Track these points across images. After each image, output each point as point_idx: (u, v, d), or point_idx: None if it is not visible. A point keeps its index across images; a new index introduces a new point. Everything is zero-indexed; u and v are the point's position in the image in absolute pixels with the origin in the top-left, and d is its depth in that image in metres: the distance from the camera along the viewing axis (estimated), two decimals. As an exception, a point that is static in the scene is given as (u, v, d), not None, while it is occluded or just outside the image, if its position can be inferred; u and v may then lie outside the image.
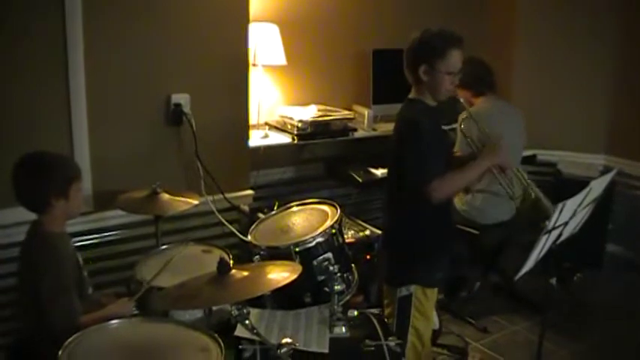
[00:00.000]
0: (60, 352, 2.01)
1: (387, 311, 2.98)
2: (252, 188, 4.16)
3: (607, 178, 2.97)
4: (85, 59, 3.38)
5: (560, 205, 2.58)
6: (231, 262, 2.28)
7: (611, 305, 4.58)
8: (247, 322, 2.20)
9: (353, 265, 3.02)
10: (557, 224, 2.69)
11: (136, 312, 2.67)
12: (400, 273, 2.96)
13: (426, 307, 2.96)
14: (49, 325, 2.48)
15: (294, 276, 2.22)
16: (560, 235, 2.84)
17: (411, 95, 2.92)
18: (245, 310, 2.22)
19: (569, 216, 2.76)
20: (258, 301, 2.70)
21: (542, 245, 2.71)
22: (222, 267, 2.17)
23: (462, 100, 3.12)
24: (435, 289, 3.01)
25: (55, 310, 2.49)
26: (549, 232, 2.67)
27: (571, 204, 2.68)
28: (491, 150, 2.89)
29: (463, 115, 3.25)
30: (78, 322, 2.49)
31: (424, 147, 2.74)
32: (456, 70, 2.81)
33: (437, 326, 3.56)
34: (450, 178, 2.75)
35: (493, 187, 4.12)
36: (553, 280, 3.07)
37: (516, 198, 3.03)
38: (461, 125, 3.35)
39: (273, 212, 3.27)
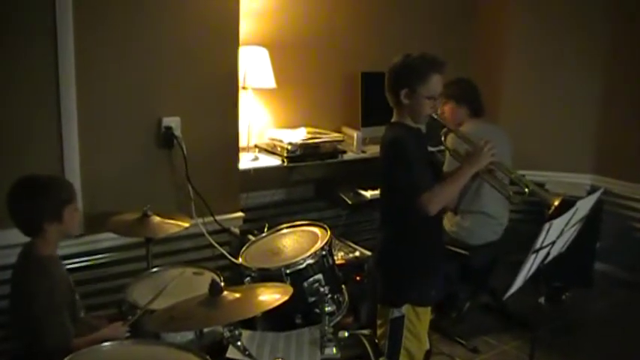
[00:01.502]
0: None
1: (379, 332, 2.98)
2: (242, 210, 4.18)
3: (593, 198, 3.00)
4: (77, 83, 3.39)
5: (547, 225, 2.61)
6: (222, 284, 2.29)
7: (601, 323, 4.60)
8: (239, 343, 2.21)
9: (343, 286, 3.04)
10: (544, 244, 2.72)
11: (128, 335, 2.68)
12: (393, 291, 2.96)
13: (418, 329, 2.97)
14: (42, 347, 2.48)
15: (286, 298, 2.24)
16: (547, 254, 2.86)
17: (393, 119, 2.95)
18: (237, 332, 2.24)
19: (556, 235, 2.79)
20: (248, 323, 2.71)
21: (530, 265, 2.74)
22: (214, 289, 2.19)
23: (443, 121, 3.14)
24: (428, 310, 3.02)
25: (47, 332, 2.50)
26: (537, 251, 2.70)
27: (558, 224, 2.71)
28: (475, 154, 2.86)
29: (444, 130, 3.27)
30: (70, 344, 2.49)
31: (410, 163, 2.77)
32: (437, 94, 2.84)
33: (427, 347, 3.57)
34: (439, 189, 2.75)
35: (482, 207, 4.16)
36: (542, 300, 3.09)
37: (510, 197, 3.02)
38: (443, 138, 3.36)
39: (264, 234, 3.30)
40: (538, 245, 2.66)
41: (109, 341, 2.27)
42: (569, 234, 2.98)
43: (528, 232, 2.80)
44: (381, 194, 3.12)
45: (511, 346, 4.24)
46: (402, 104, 2.85)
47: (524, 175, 2.96)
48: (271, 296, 2.27)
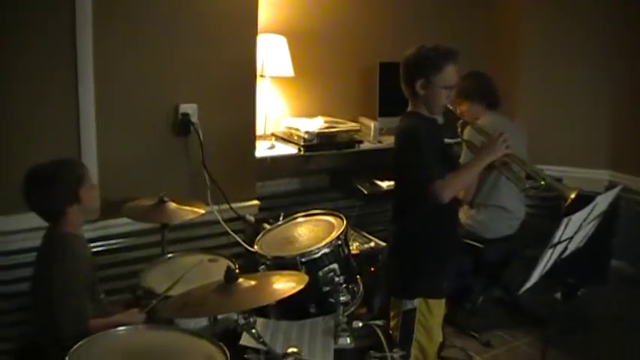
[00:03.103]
0: (67, 358, 2.02)
1: (392, 323, 2.99)
2: (257, 199, 4.18)
3: (613, 194, 2.98)
4: (95, 69, 3.40)
5: (565, 220, 2.58)
6: (237, 271, 2.29)
7: (616, 320, 4.56)
8: (254, 330, 2.20)
9: (358, 276, 3.03)
10: (562, 239, 2.70)
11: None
12: (405, 283, 2.97)
13: (430, 323, 2.97)
14: (58, 327, 2.50)
15: (301, 286, 2.23)
16: (565, 249, 2.84)
17: (408, 109, 2.96)
18: (252, 319, 2.23)
19: (574, 230, 2.76)
20: (261, 311, 2.71)
21: (547, 259, 2.71)
22: (230, 275, 2.18)
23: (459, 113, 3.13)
24: (442, 303, 3.01)
25: (64, 312, 2.51)
26: (554, 246, 2.67)
27: (576, 219, 2.68)
28: (490, 145, 2.87)
29: (460, 122, 3.27)
30: (87, 325, 2.50)
31: (422, 152, 2.78)
32: (452, 84, 2.86)
33: (440, 340, 3.56)
34: (451, 177, 2.76)
35: (498, 201, 4.14)
36: (558, 295, 3.06)
37: (526, 189, 3.01)
38: (459, 130, 3.35)
39: (279, 223, 3.29)
40: (556, 240, 2.63)
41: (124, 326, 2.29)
42: (588, 229, 2.95)
43: (543, 227, 2.78)
44: (394, 185, 3.12)
45: (523, 342, 4.23)
46: (417, 95, 2.87)
47: (541, 169, 2.94)
48: (286, 285, 2.26)
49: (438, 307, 3.01)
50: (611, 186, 4.93)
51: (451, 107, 2.95)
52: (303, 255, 2.80)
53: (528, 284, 2.72)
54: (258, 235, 3.22)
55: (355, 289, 2.94)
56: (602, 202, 2.85)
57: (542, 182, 2.82)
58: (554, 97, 5.32)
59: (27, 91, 3.25)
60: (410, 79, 2.87)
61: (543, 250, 2.65)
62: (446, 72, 2.81)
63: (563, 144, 5.30)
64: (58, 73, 3.33)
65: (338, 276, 2.76)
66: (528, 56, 5.37)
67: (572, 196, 2.73)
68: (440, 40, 2.88)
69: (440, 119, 3.05)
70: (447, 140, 3.20)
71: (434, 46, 2.83)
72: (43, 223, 2.75)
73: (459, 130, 3.29)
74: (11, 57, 3.18)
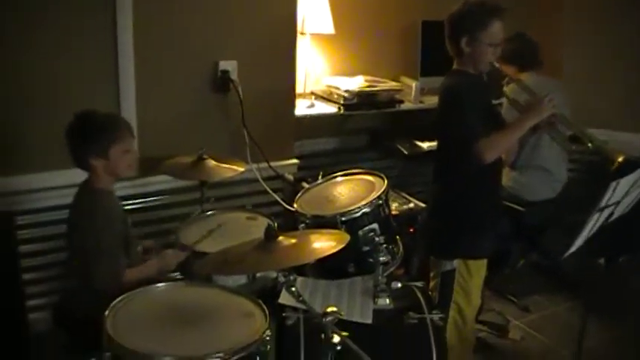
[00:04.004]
0: (107, 312, 2.04)
1: (431, 284, 2.97)
2: (296, 157, 4.15)
3: (662, 159, 2.89)
4: (134, 25, 3.38)
5: (613, 184, 2.51)
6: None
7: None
8: (293, 288, 2.19)
9: (398, 237, 3.00)
10: (609, 203, 2.63)
11: (179, 276, 2.71)
12: (446, 244, 2.95)
13: (469, 285, 2.95)
14: (93, 283, 2.52)
15: (341, 245, 2.20)
16: (611, 214, 2.77)
17: (454, 67, 2.92)
18: (292, 277, 2.22)
19: (621, 195, 2.69)
20: (298, 270, 2.69)
21: (593, 224, 2.65)
22: (270, 233, 2.16)
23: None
24: (482, 265, 2.98)
25: (98, 268, 2.53)
26: (601, 210, 2.61)
27: (625, 183, 2.61)
28: (536, 105, 2.80)
29: (506, 79, 3.21)
30: (121, 280, 2.53)
31: (466, 110, 2.74)
32: (498, 40, 2.80)
33: (479, 303, 3.54)
34: (495, 136, 2.72)
35: (540, 162, 4.06)
36: (601, 261, 3.00)
37: (571, 151, 2.95)
38: (505, 88, 3.29)
39: (319, 181, 3.26)
40: (603, 204, 2.57)
41: (159, 270, 2.31)
42: (635, 195, 2.88)
43: (583, 191, 2.71)
44: (437, 144, 3.08)
45: (562, 308, 4.19)
46: (462, 53, 2.83)
47: (588, 131, 2.87)
48: (326, 243, 2.24)
49: (478, 269, 2.98)
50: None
51: (497, 65, 2.88)
52: (343, 214, 2.77)
53: (572, 249, 2.66)
54: (296, 194, 3.20)
55: (395, 249, 2.91)
56: (650, 167, 2.77)
57: (589, 144, 2.75)
58: (601, 56, 5.17)
59: (66, 51, 3.24)
60: (455, 37, 2.83)
61: (586, 214, 2.58)
62: (491, 28, 2.76)
63: (610, 107, 5.16)
64: (98, 31, 3.31)
65: (378, 236, 2.73)
66: (575, 16, 5.21)
67: (620, 159, 2.65)
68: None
69: (485, 77, 2.99)
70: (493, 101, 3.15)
71: (479, 2, 2.78)
72: (78, 180, 2.76)
73: (505, 87, 3.23)
74: (47, 16, 3.17)
